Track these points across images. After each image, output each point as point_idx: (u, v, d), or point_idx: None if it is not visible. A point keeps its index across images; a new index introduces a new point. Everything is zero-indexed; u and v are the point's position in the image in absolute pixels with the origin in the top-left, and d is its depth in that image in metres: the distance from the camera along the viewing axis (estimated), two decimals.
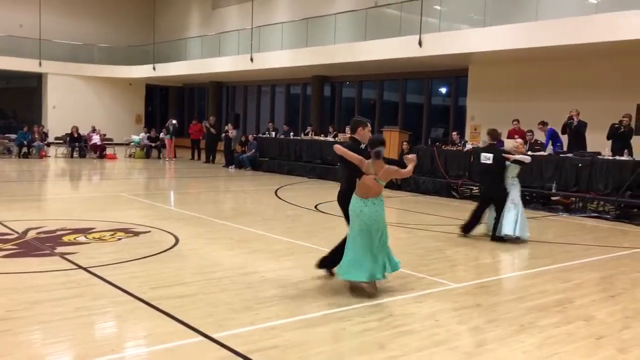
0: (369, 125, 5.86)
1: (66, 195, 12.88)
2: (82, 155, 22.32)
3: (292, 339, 4.27)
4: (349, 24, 20.31)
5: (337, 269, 5.66)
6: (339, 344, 4.22)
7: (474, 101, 17.96)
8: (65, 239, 7.46)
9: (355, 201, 5.52)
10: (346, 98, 24.20)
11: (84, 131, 23.03)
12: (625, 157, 11.42)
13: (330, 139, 18.02)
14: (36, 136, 21.76)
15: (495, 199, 8.51)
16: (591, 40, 12.94)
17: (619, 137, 12.05)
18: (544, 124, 13.58)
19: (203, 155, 22.39)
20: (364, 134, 5.80)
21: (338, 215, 10.31)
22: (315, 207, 11.28)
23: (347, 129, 17.94)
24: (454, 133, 15.47)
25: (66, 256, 6.52)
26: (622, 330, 4.76)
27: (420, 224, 9.75)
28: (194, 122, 24.16)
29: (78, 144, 22.39)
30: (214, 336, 4.23)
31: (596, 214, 11.33)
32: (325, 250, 7.37)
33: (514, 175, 8.54)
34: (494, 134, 8.85)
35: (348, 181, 5.74)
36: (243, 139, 20.96)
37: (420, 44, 16.38)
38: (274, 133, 20.77)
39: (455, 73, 19.19)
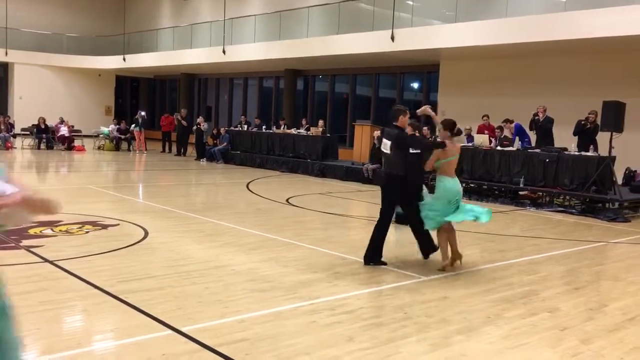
0: (408, 112, 6.38)
1: (33, 188, 12.60)
2: (49, 147, 21.88)
3: (262, 332, 4.27)
4: (322, 18, 20.29)
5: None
6: (309, 337, 4.24)
7: (445, 96, 18.12)
8: (31, 231, 7.32)
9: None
10: (319, 92, 24.19)
11: (51, 122, 22.57)
12: (590, 153, 11.68)
13: (303, 132, 18.00)
14: (2, 127, 21.26)
15: None
16: (559, 38, 13.16)
17: (585, 133, 12.30)
18: (508, 121, 13.77)
19: (174, 148, 22.17)
20: (404, 121, 6.34)
21: (309, 209, 10.37)
22: (287, 200, 11.27)
23: (320, 122, 17.96)
24: (425, 128, 15.57)
25: (32, 249, 6.40)
26: (585, 322, 4.88)
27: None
28: (165, 115, 23.89)
29: (45, 136, 21.94)
30: (183, 329, 4.21)
31: (562, 209, 11.55)
32: (295, 243, 7.39)
33: None
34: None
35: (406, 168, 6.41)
36: (215, 131, 20.81)
37: (392, 38, 16.45)
38: (246, 126, 20.66)
39: (426, 68, 19.32)
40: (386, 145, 6.45)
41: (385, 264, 6.41)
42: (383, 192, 6.63)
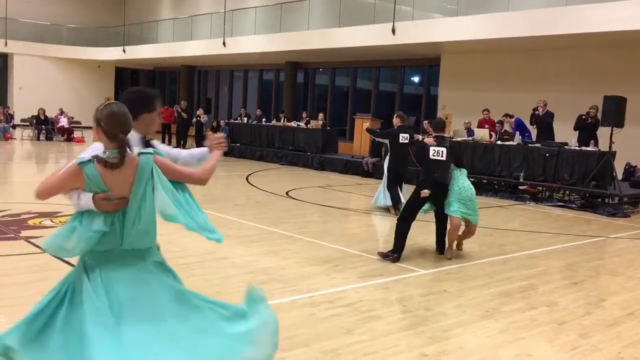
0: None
1: (32, 179, 12.61)
2: (48, 138, 21.87)
3: None
4: (323, 10, 20.21)
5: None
6: (307, 329, 4.24)
7: (446, 90, 18.08)
8: (31, 222, 7.32)
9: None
10: (319, 85, 24.14)
11: (51, 113, 22.54)
12: (591, 148, 11.66)
13: (302, 125, 17.98)
14: (1, 118, 21.24)
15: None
16: (560, 32, 13.12)
17: (586, 128, 12.28)
18: (508, 116, 13.76)
19: (174, 140, 22.12)
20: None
21: (309, 202, 10.36)
22: (287, 193, 11.27)
23: (320, 115, 17.94)
24: (425, 122, 15.58)
25: (31, 240, 6.40)
26: (584, 316, 4.89)
27: (390, 212, 9.81)
28: (165, 107, 23.82)
29: (45, 127, 21.93)
30: None
31: (562, 203, 11.56)
32: (295, 235, 7.39)
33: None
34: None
35: None
36: (214, 124, 20.78)
37: (393, 32, 16.39)
38: (246, 119, 20.63)
39: (427, 62, 19.28)
40: (442, 153, 6.56)
41: (397, 260, 6.39)
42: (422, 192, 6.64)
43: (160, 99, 3.13)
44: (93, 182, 2.53)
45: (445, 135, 6.80)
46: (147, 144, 2.99)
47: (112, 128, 2.58)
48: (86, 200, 2.55)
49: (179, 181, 2.76)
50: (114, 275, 2.60)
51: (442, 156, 6.57)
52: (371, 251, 6.71)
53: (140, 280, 2.65)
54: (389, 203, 9.54)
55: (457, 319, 4.67)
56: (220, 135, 3.15)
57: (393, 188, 9.53)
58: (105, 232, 2.56)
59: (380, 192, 9.83)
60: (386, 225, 8.86)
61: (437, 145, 6.60)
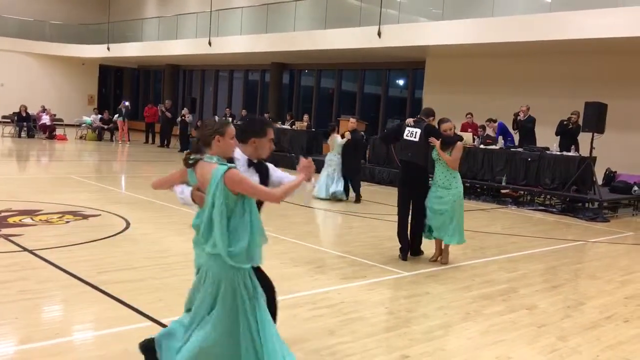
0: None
1: (12, 176, 12.46)
2: (30, 135, 21.58)
3: None
4: (309, 12, 20.23)
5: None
6: (290, 330, 4.24)
7: (430, 94, 18.18)
8: (11, 220, 7.23)
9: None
10: (305, 86, 24.14)
11: (33, 110, 22.27)
12: (572, 153, 11.81)
13: (287, 126, 17.97)
14: None
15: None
16: (544, 38, 13.27)
17: (567, 133, 12.44)
18: (491, 120, 13.88)
19: (157, 139, 22.01)
20: (433, 120, 6.72)
21: (293, 203, 10.35)
22: None
23: (305, 117, 17.94)
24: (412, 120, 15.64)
25: (11, 238, 6.33)
26: (563, 319, 4.95)
27: (374, 213, 9.86)
28: (149, 105, 23.69)
29: (26, 124, 21.64)
30: (164, 321, 4.19)
31: (543, 208, 11.69)
32: (278, 236, 7.39)
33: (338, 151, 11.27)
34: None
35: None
36: (199, 123, 20.68)
37: (379, 34, 16.46)
38: (230, 119, 20.56)
39: (412, 65, 19.38)
40: (415, 134, 6.57)
41: (403, 259, 6.62)
42: (404, 182, 6.70)
43: (272, 127, 3.35)
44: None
45: (427, 120, 6.73)
46: (255, 165, 3.32)
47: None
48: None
49: (250, 196, 2.94)
50: None
51: (414, 137, 6.56)
52: (354, 252, 6.74)
53: None
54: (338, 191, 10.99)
55: (439, 321, 4.70)
56: (310, 161, 3.17)
57: (345, 181, 11.14)
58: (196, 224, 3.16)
59: (323, 184, 11.09)
60: (369, 227, 8.88)
61: (414, 127, 6.63)
